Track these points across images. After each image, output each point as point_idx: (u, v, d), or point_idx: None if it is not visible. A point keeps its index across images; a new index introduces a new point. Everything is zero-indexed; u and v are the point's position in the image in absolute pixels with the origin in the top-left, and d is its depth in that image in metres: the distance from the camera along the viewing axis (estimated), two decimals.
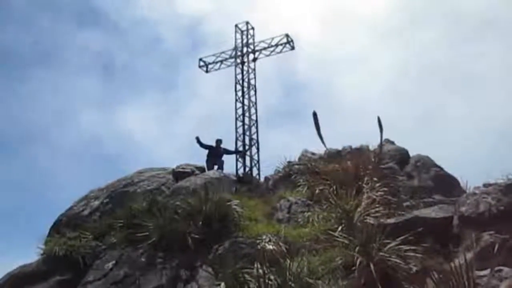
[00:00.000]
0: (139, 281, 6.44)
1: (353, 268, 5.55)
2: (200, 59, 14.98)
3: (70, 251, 8.02)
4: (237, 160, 13.15)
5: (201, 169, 12.52)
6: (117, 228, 8.05)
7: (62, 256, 8.00)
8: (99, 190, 12.89)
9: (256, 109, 13.79)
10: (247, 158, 13.12)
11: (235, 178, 11.99)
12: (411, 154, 10.35)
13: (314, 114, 10.05)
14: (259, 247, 6.59)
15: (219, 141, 13.14)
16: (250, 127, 13.41)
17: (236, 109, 13.81)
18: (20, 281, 7.68)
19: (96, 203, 12.08)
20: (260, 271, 5.50)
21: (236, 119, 13.59)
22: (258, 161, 13.12)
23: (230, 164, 13.36)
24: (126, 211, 8.48)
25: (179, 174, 12.26)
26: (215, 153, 12.95)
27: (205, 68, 15.03)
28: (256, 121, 13.53)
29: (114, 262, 7.01)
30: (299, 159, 11.79)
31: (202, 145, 13.27)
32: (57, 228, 12.00)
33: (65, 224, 11.87)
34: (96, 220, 11.27)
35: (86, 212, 11.96)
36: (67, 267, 7.83)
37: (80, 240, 8.37)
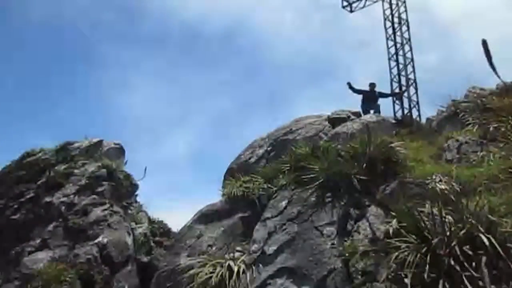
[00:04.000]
0: (311, 218, 6.96)
1: None
2: None
3: (246, 192, 9.07)
4: (394, 102, 12.73)
5: (357, 114, 12.53)
6: (285, 172, 8.72)
7: (240, 196, 9.10)
8: (262, 139, 13.96)
9: (410, 46, 12.96)
10: (405, 100, 12.60)
11: (394, 121, 11.71)
12: None
13: (484, 42, 9.03)
14: (429, 187, 6.46)
15: (372, 85, 12.83)
16: (405, 66, 12.71)
17: (388, 48, 13.19)
18: (209, 216, 9.00)
19: (261, 151, 13.16)
20: (434, 209, 5.45)
21: (389, 59, 13.00)
22: (417, 102, 12.50)
23: (387, 107, 13.06)
24: (291, 156, 9.09)
25: (335, 120, 12.48)
26: (370, 97, 12.74)
27: (349, 8, 14.57)
28: (412, 59, 12.74)
29: (286, 201, 7.67)
30: (466, 96, 10.84)
31: (355, 90, 13.15)
32: (229, 174, 13.51)
33: (236, 171, 13.28)
34: (262, 166, 12.36)
35: (252, 160, 13.16)
36: (245, 206, 8.88)
37: (253, 183, 9.35)
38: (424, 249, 5.01)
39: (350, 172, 7.39)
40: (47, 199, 14.91)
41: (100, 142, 18.16)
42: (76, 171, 16.19)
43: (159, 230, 17.22)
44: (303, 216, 7.09)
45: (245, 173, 11.19)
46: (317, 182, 7.51)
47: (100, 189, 15.81)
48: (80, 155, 17.37)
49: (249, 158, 13.24)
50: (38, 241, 13.56)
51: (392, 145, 7.90)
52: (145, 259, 15.13)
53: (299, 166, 8.34)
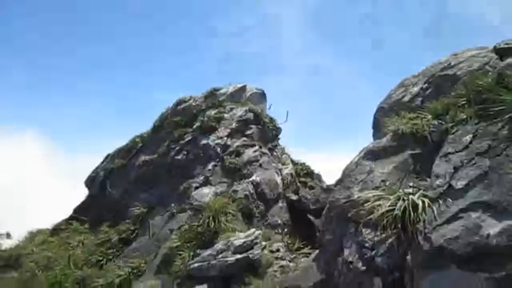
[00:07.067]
0: (506, 152, 6.47)
1: None
2: None
3: (415, 129, 8.76)
4: None
5: None
6: (462, 106, 8.16)
7: (408, 133, 8.84)
8: (414, 76, 13.24)
9: None
10: None
11: None
12: None
13: None
14: None
15: None
16: None
17: None
18: (376, 153, 8.97)
19: (415, 89, 12.52)
20: None
21: None
22: None
23: None
24: (468, 88, 8.43)
25: (504, 51, 11.15)
26: None
27: None
28: None
29: (471, 136, 7.20)
30: None
31: None
32: (380, 114, 13.18)
33: (387, 110, 12.90)
34: (419, 104, 11.79)
35: (406, 98, 12.61)
36: (415, 143, 8.62)
37: (421, 120, 8.98)
38: None
39: None
40: (204, 141, 16.39)
41: (243, 88, 19.09)
42: (225, 115, 17.37)
43: (303, 171, 17.93)
44: (495, 150, 6.63)
45: (398, 112, 10.81)
46: (508, 115, 6.89)
47: (248, 132, 16.84)
48: (226, 100, 18.53)
49: (402, 97, 12.71)
50: (201, 178, 15.11)
51: None
52: (293, 197, 15.98)
53: (481, 98, 7.73)
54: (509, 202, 5.86)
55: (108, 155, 20.92)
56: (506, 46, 11.44)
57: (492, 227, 5.73)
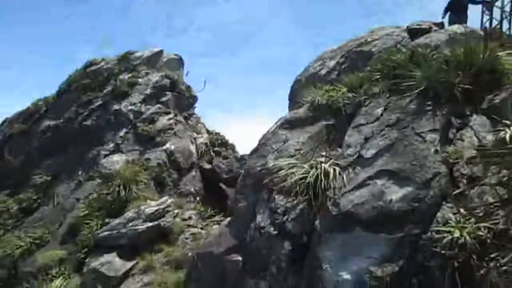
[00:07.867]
0: (412, 125, 6.83)
1: None
2: None
3: (330, 100, 8.94)
4: (483, 13, 11.76)
5: (440, 26, 11.78)
6: (377, 80, 8.45)
7: (324, 105, 9.00)
8: (332, 51, 13.52)
9: None
10: (496, 10, 11.59)
11: (482, 34, 10.90)
12: None
13: None
14: None
15: None
16: None
17: None
18: (293, 123, 9.03)
19: (332, 63, 12.78)
20: None
21: None
22: (510, 13, 11.47)
23: (474, 18, 12.13)
24: (383, 63, 8.75)
25: (415, 31, 11.81)
26: (458, 6, 11.78)
27: None
28: None
29: (382, 108, 7.50)
30: None
31: None
32: (297, 85, 13.33)
33: (305, 83, 13.07)
34: (334, 78, 12.08)
35: (323, 72, 12.85)
36: (330, 114, 8.80)
37: (336, 92, 9.18)
38: None
39: (454, 81, 7.07)
40: (116, 107, 15.43)
41: (160, 52, 18.19)
42: (140, 80, 16.47)
43: (217, 141, 17.76)
44: (402, 122, 6.96)
45: (314, 85, 11.00)
46: (417, 90, 7.25)
47: (164, 99, 16.16)
48: (141, 64, 17.56)
49: (319, 70, 12.94)
50: (111, 145, 14.27)
51: (500, 54, 7.41)
52: (207, 166, 15.77)
53: (393, 74, 8.06)
54: (411, 171, 6.21)
55: (6, 119, 18.95)
56: (417, 27, 12.10)
57: (395, 193, 6.04)
